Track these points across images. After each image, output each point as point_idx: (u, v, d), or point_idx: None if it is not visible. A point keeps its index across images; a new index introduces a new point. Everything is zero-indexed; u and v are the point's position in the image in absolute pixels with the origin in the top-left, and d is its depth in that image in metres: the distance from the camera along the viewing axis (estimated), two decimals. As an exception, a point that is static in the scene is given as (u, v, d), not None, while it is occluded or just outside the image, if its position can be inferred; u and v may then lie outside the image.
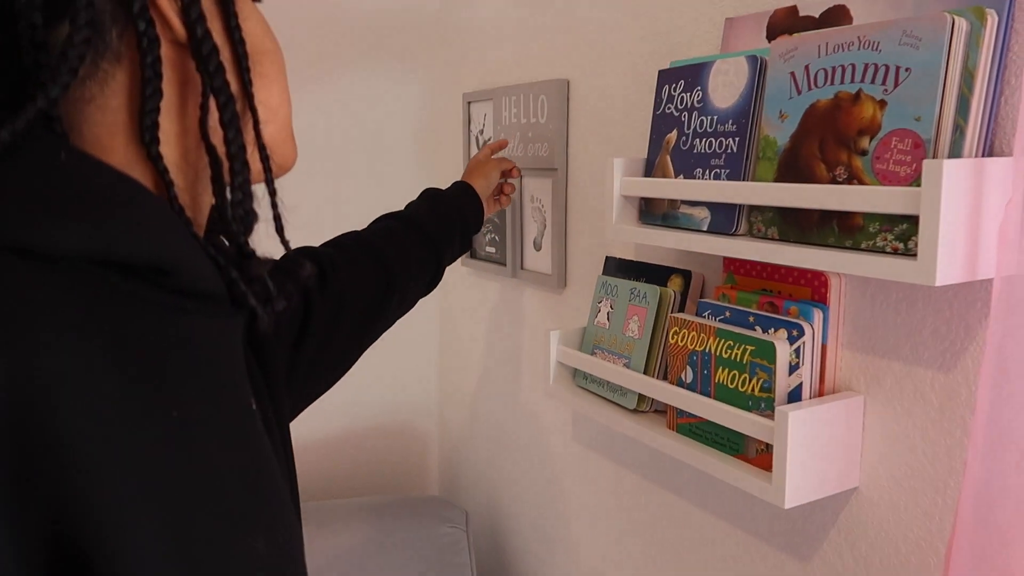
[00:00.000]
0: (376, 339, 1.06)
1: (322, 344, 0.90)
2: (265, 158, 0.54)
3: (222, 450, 0.47)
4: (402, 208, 1.22)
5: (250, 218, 0.53)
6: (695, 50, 1.08)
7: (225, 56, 0.50)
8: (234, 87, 0.51)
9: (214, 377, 0.48)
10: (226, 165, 0.51)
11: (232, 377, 0.51)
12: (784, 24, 0.93)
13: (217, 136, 0.51)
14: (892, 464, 0.87)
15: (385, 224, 1.15)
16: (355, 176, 1.74)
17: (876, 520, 0.89)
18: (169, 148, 0.50)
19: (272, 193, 0.55)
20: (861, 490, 0.90)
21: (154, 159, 0.48)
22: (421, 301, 1.85)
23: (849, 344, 0.90)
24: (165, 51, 0.48)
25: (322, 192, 1.70)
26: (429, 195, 1.25)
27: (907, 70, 0.73)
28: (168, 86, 0.49)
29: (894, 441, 0.86)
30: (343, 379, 1.84)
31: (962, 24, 0.70)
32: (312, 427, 1.76)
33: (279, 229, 0.56)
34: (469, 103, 1.62)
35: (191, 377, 0.46)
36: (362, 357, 1.70)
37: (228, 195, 0.52)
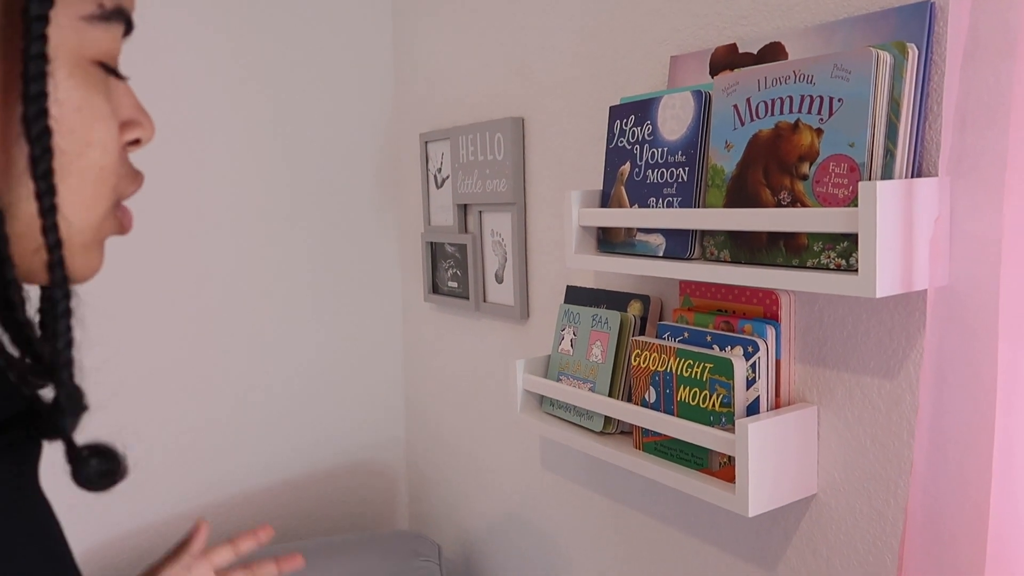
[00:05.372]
0: None
1: None
2: (57, 261, 0.39)
3: None
4: None
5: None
6: (643, 86, 1.14)
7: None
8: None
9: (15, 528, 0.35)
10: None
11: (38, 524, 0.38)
12: (725, 60, 0.99)
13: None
14: (847, 469, 0.92)
15: None
16: (314, 225, 1.76)
17: (835, 524, 0.93)
18: None
19: (62, 315, 0.39)
20: (820, 496, 0.95)
21: None
22: (384, 335, 1.89)
23: (801, 358, 0.95)
24: None
25: (281, 247, 1.72)
26: None
27: (839, 100, 0.79)
28: None
29: (847, 447, 0.91)
30: (309, 418, 1.82)
31: (886, 57, 0.77)
32: (278, 468, 1.75)
33: (58, 365, 0.39)
34: (426, 142, 1.66)
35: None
36: (327, 393, 1.62)
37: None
